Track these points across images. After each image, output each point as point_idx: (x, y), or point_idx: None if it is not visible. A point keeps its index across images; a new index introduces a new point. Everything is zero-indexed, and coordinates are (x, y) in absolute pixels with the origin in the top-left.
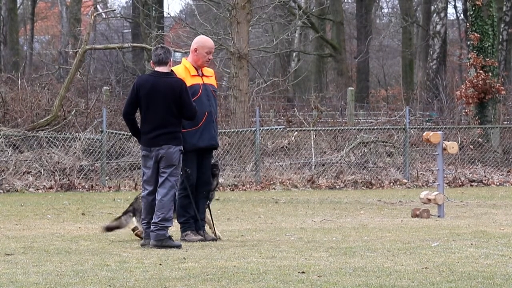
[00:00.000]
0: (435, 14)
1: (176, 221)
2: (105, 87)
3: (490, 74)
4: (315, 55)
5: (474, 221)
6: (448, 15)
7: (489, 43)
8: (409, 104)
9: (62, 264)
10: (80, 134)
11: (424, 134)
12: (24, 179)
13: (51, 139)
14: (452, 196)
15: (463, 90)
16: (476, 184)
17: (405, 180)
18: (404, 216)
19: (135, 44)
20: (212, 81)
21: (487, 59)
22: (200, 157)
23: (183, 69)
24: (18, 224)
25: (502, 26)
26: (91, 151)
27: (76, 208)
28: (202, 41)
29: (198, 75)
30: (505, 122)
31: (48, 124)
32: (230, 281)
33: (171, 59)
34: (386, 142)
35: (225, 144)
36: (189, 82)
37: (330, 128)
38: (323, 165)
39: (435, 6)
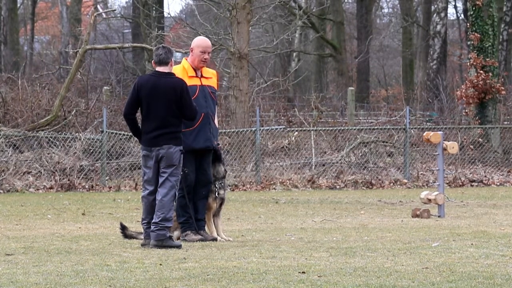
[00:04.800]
0: (435, 14)
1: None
2: (105, 87)
3: (490, 74)
4: (315, 55)
5: (475, 221)
6: (448, 15)
7: (489, 43)
8: (409, 104)
9: (63, 264)
10: (80, 134)
11: (425, 134)
12: (24, 179)
13: (51, 139)
14: (453, 196)
15: (463, 90)
16: (476, 184)
17: (406, 180)
18: (405, 216)
19: (135, 44)
20: (212, 82)
21: (487, 59)
22: (198, 158)
23: (181, 69)
24: (18, 224)
25: (502, 26)
26: (91, 151)
27: (76, 208)
28: (197, 41)
29: (196, 76)
30: (505, 122)
31: (48, 124)
32: (231, 281)
33: (173, 59)
34: (387, 142)
35: (226, 144)
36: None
37: (331, 128)
38: (324, 165)
39: (436, 6)
